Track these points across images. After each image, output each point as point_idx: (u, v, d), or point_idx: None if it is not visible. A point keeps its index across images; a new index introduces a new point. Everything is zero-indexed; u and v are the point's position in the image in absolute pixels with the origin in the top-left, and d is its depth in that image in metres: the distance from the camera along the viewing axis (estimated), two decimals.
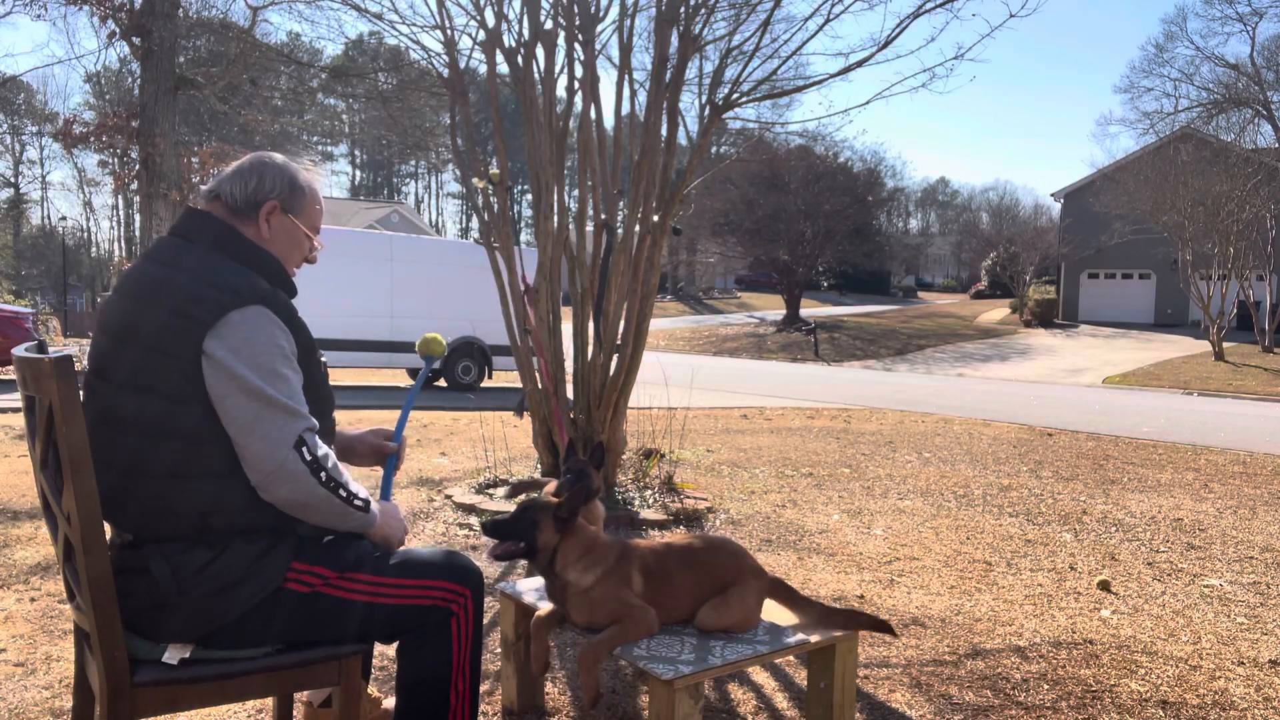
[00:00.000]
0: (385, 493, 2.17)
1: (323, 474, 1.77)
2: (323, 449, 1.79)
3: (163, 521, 1.75)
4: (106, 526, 1.77)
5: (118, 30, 14.89)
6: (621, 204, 5.48)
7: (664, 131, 5.28)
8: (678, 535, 2.50)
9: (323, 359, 1.97)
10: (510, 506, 5.27)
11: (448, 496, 5.58)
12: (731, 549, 2.43)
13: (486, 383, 15.84)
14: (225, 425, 1.73)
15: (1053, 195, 38.50)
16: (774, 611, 2.51)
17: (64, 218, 46.57)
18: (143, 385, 1.73)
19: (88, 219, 56.85)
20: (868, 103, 5.49)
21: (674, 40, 5.19)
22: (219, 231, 1.89)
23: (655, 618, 2.25)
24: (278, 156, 2.00)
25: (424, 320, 14.05)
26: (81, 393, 1.68)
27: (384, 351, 14.12)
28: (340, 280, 12.48)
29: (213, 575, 1.74)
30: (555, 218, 5.37)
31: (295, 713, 2.37)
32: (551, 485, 2.74)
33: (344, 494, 1.81)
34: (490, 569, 4.16)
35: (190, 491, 1.74)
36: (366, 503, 1.87)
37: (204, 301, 1.73)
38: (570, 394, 5.50)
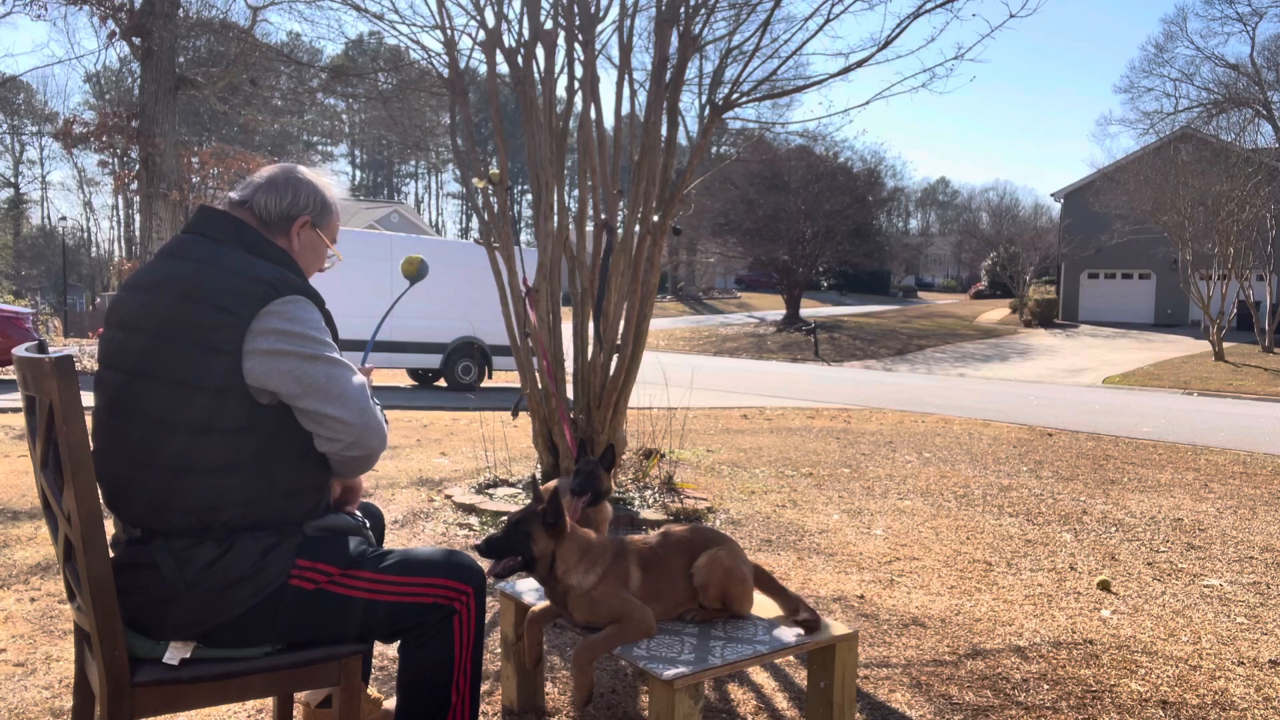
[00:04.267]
0: None
1: (385, 416, 1.90)
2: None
3: (169, 514, 1.75)
4: (109, 522, 1.77)
5: (118, 30, 14.90)
6: (621, 204, 5.48)
7: (664, 131, 5.28)
8: (669, 526, 2.53)
9: None
10: (512, 506, 5.27)
11: (448, 496, 5.58)
12: (720, 535, 2.49)
13: (486, 383, 15.84)
14: (301, 401, 1.77)
15: (1053, 195, 38.51)
16: (773, 611, 2.51)
17: (64, 218, 46.58)
18: (154, 374, 1.74)
19: (88, 219, 56.92)
20: (868, 103, 5.49)
21: (674, 40, 5.19)
22: (235, 227, 1.91)
23: (653, 620, 2.27)
24: (306, 171, 2.04)
25: (424, 320, 14.04)
26: (91, 390, 1.69)
27: (384, 351, 14.11)
28: (339, 281, 12.49)
29: (219, 571, 1.75)
30: (555, 218, 5.36)
31: (295, 713, 2.37)
32: (551, 485, 2.75)
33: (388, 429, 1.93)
34: None
35: (198, 483, 1.74)
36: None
37: (239, 294, 1.75)
38: (570, 394, 5.50)
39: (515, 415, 5.84)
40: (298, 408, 1.78)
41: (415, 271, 2.45)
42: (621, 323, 5.35)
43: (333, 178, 2.11)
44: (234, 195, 1.98)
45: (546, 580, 2.26)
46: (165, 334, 1.74)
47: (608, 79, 6.76)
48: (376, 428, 1.83)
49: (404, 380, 16.64)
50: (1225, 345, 24.44)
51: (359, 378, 1.84)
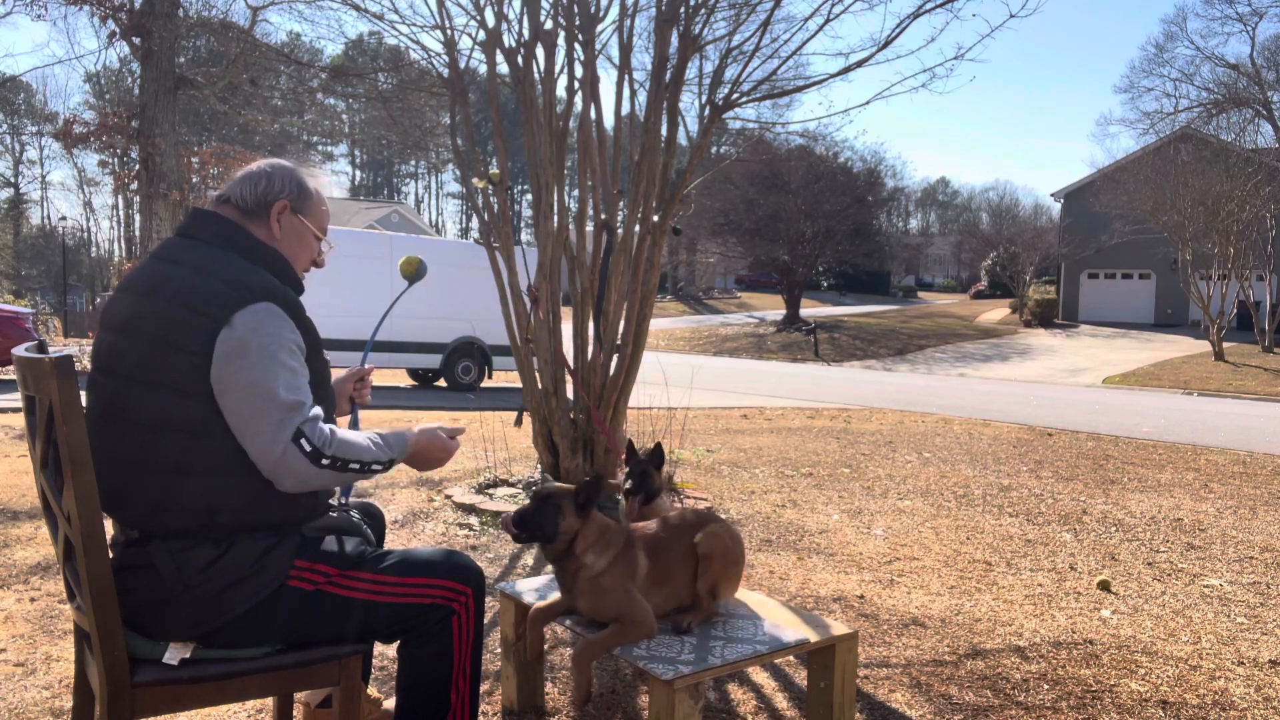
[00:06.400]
0: (353, 426, 2.31)
1: (324, 460, 1.76)
2: (323, 433, 1.77)
3: (167, 516, 1.75)
4: (109, 524, 1.77)
5: (118, 30, 14.89)
6: (621, 204, 5.48)
7: (664, 131, 5.28)
8: (666, 513, 2.54)
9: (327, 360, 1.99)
10: (512, 507, 5.27)
11: (448, 496, 5.58)
12: (716, 517, 2.53)
13: (486, 383, 15.84)
14: (228, 420, 1.75)
15: (1053, 195, 38.51)
16: (773, 611, 2.51)
17: (64, 218, 46.48)
18: (149, 379, 1.74)
19: (88, 219, 56.89)
20: (868, 103, 5.49)
21: (674, 40, 5.18)
22: (228, 230, 1.91)
23: (654, 622, 2.28)
24: (283, 160, 2.04)
25: (424, 320, 14.05)
26: (84, 392, 1.68)
27: (384, 352, 14.11)
28: (340, 280, 12.50)
29: (217, 572, 1.75)
30: (555, 218, 5.36)
31: (295, 713, 2.37)
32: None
33: (356, 467, 1.81)
34: (491, 568, 4.17)
35: (195, 486, 1.74)
36: (387, 463, 1.88)
37: (216, 298, 1.75)
38: (570, 394, 5.50)
39: (519, 424, 5.84)
40: (229, 419, 1.75)
41: (414, 272, 2.45)
42: (621, 323, 5.35)
43: (329, 176, 2.11)
44: (215, 193, 2.00)
45: (561, 558, 2.28)
46: (158, 340, 1.74)
47: (608, 79, 6.76)
48: (288, 472, 1.74)
49: (404, 380, 16.64)
50: (1225, 345, 24.44)
51: (293, 419, 1.73)
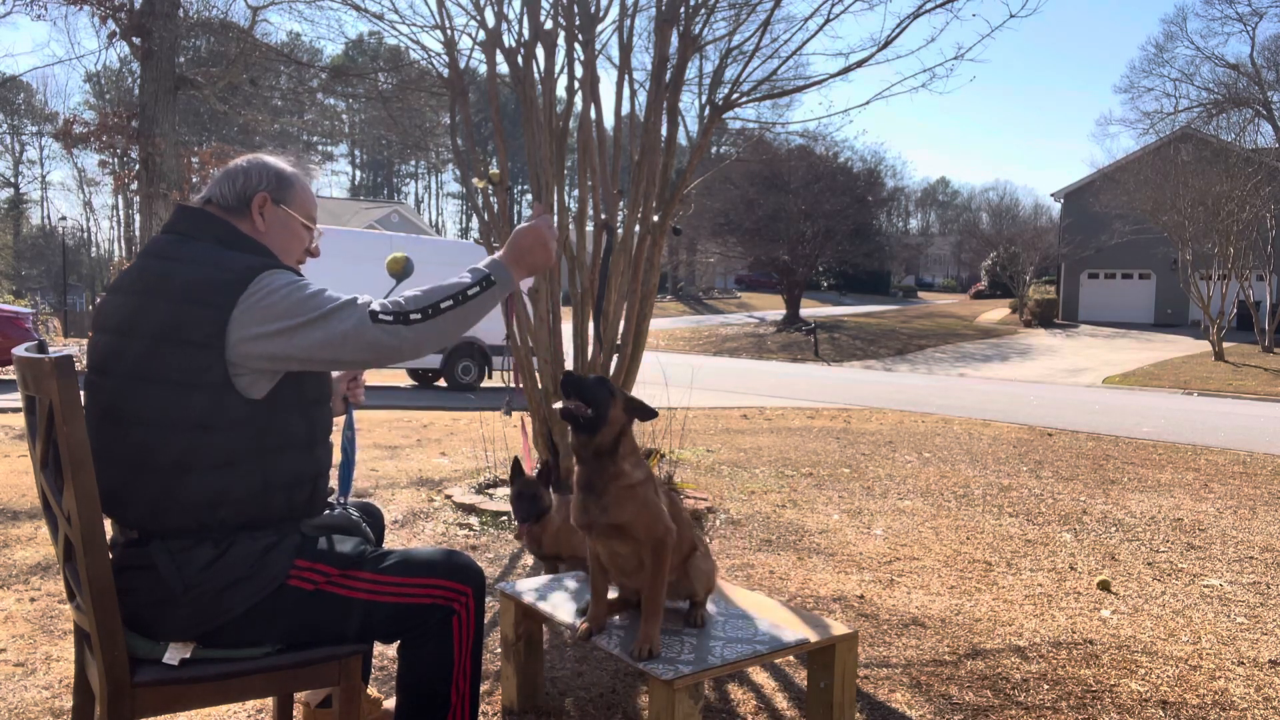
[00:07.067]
0: (348, 425, 2.37)
1: (413, 316, 1.75)
2: (396, 301, 1.77)
3: (168, 515, 1.75)
4: (108, 524, 1.77)
5: (118, 30, 14.88)
6: (621, 204, 5.48)
7: (664, 131, 5.28)
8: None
9: None
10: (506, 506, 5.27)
11: (448, 496, 5.58)
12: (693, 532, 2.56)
13: (486, 382, 15.84)
14: (317, 366, 1.77)
15: (1053, 195, 38.52)
16: (773, 611, 2.51)
17: (64, 218, 46.49)
18: (149, 376, 1.73)
19: (88, 219, 56.92)
20: (868, 103, 5.50)
21: (674, 40, 5.19)
22: (216, 226, 1.90)
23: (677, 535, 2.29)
24: (261, 154, 2.03)
25: None
26: (82, 393, 1.68)
27: None
28: (340, 281, 12.51)
29: (217, 571, 1.75)
30: (555, 218, 5.36)
31: (295, 713, 2.37)
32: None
33: (450, 304, 1.78)
34: (491, 568, 4.17)
35: (196, 483, 1.74)
36: (482, 280, 1.83)
37: (219, 287, 1.74)
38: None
39: (508, 414, 5.84)
40: (325, 366, 1.78)
41: (401, 269, 2.44)
42: (621, 323, 5.35)
43: (315, 164, 2.10)
44: (197, 197, 1.99)
45: (600, 457, 2.18)
46: (160, 337, 1.73)
47: (608, 79, 6.76)
48: (394, 349, 1.74)
49: (404, 380, 16.64)
50: (1225, 345, 24.44)
51: (356, 310, 1.74)
